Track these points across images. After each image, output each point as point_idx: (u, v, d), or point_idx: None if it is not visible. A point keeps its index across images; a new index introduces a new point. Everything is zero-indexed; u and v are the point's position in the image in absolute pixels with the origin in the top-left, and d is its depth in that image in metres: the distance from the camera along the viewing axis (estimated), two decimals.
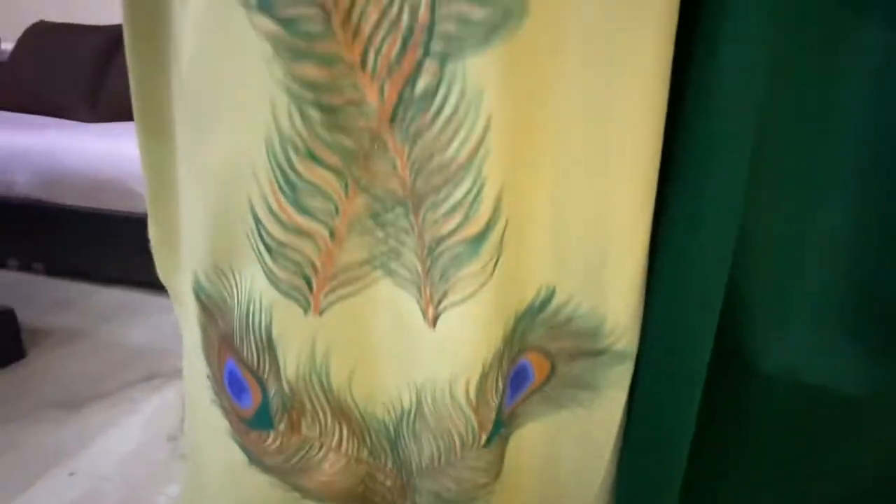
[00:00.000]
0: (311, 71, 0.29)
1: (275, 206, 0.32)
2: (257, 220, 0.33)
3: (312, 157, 0.31)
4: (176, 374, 1.25)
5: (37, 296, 1.58)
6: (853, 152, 0.35)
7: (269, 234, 0.33)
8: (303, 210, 0.32)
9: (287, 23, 0.29)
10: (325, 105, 0.30)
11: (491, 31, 0.28)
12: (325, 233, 0.33)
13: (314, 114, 0.30)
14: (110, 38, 2.22)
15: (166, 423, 1.04)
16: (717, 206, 0.33)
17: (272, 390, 0.36)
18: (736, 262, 0.35)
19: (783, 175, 0.36)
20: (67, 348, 1.30)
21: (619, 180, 0.34)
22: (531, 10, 0.28)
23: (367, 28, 0.29)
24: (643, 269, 0.37)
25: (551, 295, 0.37)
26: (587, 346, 0.38)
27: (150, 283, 1.66)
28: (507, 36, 0.28)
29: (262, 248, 0.34)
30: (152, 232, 0.48)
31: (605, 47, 0.30)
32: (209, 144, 0.34)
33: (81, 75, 2.16)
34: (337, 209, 0.33)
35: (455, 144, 0.30)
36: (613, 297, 0.36)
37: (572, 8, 0.29)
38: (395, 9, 0.28)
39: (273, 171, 0.32)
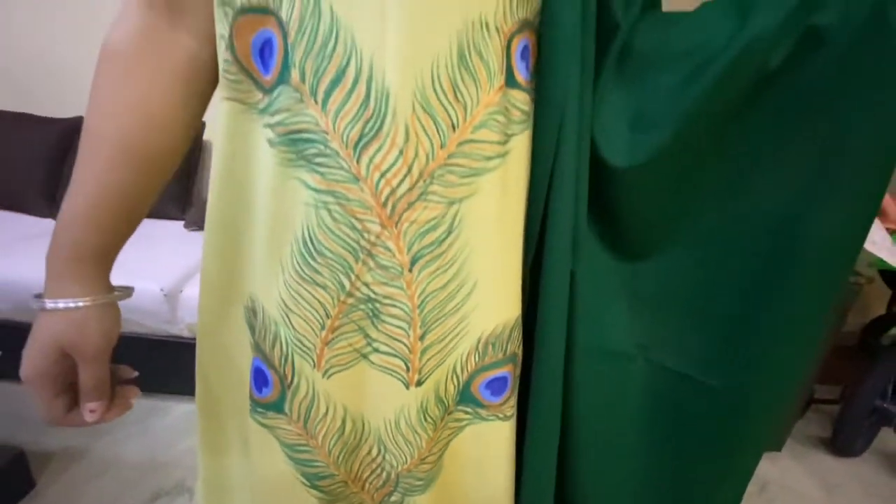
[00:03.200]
0: None
1: None
2: None
3: None
4: (176, 489, 1.42)
5: (26, 409, 1.70)
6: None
7: None
8: None
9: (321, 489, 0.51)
10: None
11: (425, 487, 0.51)
12: None
13: None
14: (65, 131, 2.28)
15: None
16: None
17: None
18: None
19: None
20: (72, 472, 1.45)
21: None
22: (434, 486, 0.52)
23: (368, 479, 0.51)
24: None
25: None
26: None
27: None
28: (428, 489, 0.52)
29: None
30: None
31: None
32: None
33: (37, 168, 2.22)
34: None
35: None
36: None
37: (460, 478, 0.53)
38: (378, 471, 0.51)
39: None
